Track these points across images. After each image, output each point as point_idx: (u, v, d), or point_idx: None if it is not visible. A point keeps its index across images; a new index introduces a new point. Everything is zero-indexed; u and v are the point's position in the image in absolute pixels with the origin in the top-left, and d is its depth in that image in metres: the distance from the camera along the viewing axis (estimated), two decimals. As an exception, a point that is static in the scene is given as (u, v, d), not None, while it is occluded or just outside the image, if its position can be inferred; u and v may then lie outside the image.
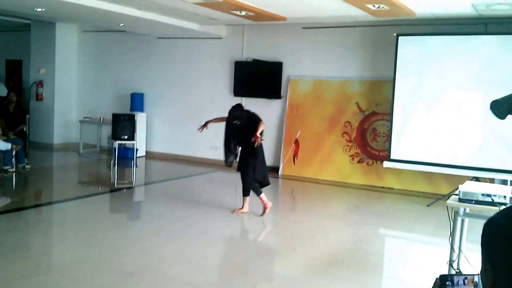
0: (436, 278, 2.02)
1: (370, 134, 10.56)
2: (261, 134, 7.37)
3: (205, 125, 8.00)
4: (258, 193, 7.73)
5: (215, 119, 8.08)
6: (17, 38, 15.15)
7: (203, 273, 5.70)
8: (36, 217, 7.77)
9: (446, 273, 4.70)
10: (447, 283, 2.01)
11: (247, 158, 7.63)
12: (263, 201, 7.75)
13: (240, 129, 7.52)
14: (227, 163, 7.93)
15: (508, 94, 4.20)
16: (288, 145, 11.38)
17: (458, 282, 2.02)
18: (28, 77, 14.38)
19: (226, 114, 7.60)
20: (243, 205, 7.82)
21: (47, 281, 5.08)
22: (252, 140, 7.27)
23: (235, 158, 7.88)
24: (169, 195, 9.22)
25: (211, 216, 6.69)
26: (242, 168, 7.72)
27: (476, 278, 2.04)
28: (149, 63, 13.34)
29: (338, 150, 10.84)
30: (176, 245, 6.33)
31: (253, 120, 7.49)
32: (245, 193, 7.78)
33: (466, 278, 2.05)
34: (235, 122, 7.44)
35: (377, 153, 10.45)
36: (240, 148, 7.80)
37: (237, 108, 7.54)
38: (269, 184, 7.99)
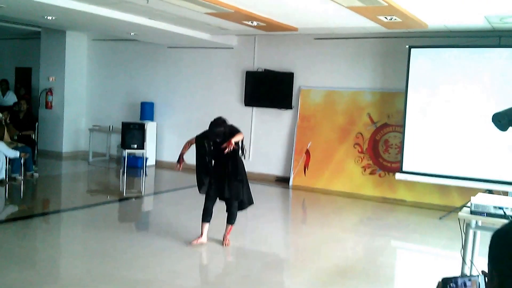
0: (439, 281, 1.98)
1: (382, 146, 10.48)
2: (236, 144, 6.36)
3: (181, 159, 6.71)
4: (208, 220, 6.65)
5: (185, 147, 6.80)
6: (27, 45, 15.19)
7: (212, 286, 5.64)
8: (44, 226, 7.72)
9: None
10: (450, 285, 1.96)
11: (236, 180, 6.50)
12: (204, 231, 6.63)
13: (222, 147, 6.31)
14: (203, 189, 6.60)
15: (510, 107, 4.18)
16: (299, 156, 11.31)
17: (461, 284, 1.98)
18: (37, 85, 14.40)
19: (237, 126, 6.62)
20: (228, 234, 6.74)
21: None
22: (224, 145, 6.20)
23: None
24: (178, 205, 9.17)
25: (219, 227, 6.60)
26: (236, 192, 6.52)
27: (479, 279, 2.00)
28: (160, 72, 13.32)
29: (349, 161, 10.77)
30: (185, 256, 6.27)
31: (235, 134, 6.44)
32: (234, 221, 6.71)
33: (470, 279, 2.00)
34: (218, 140, 6.36)
35: (389, 164, 10.37)
36: (214, 169, 6.60)
37: (221, 123, 6.37)
38: (253, 203, 6.86)
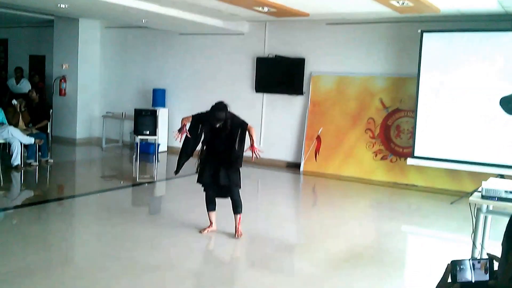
0: (448, 264, 2.01)
1: (394, 131, 10.48)
2: (241, 134, 6.14)
3: (183, 129, 6.21)
4: (213, 208, 6.55)
5: (184, 122, 6.28)
6: (41, 33, 15.29)
7: (221, 268, 5.72)
8: (59, 210, 7.83)
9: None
10: (459, 267, 2.00)
11: (233, 170, 6.27)
12: (212, 219, 6.56)
13: (220, 133, 6.13)
14: (178, 171, 6.42)
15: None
16: (310, 141, 11.34)
17: (470, 266, 2.01)
18: (51, 72, 14.50)
19: (239, 116, 6.30)
20: (238, 225, 6.47)
21: (66, 272, 5.14)
22: (246, 150, 6.14)
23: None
24: (190, 190, 9.20)
25: (230, 212, 6.63)
26: (234, 182, 6.30)
27: (488, 263, 2.03)
28: (171, 59, 13.37)
29: (361, 146, 10.77)
30: (196, 240, 6.31)
31: (239, 124, 6.19)
32: (240, 210, 6.44)
33: (479, 262, 2.03)
34: (218, 125, 6.05)
35: (401, 149, 10.37)
36: (208, 155, 6.31)
37: (223, 108, 6.03)
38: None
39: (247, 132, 6.22)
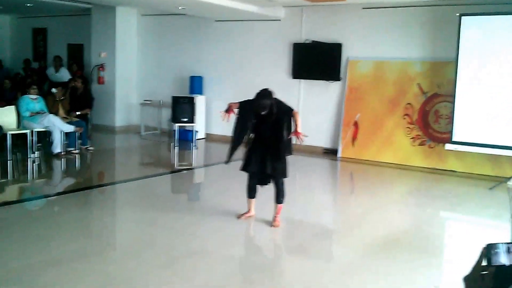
0: (483, 247, 2.00)
1: (432, 116, 10.34)
2: (287, 120, 6.06)
3: (231, 109, 6.17)
4: (253, 196, 6.55)
5: (235, 103, 6.25)
6: (78, 22, 15.46)
7: (259, 254, 5.77)
8: (100, 197, 7.98)
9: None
10: (494, 251, 1.99)
11: (280, 158, 6.16)
12: (251, 206, 6.58)
13: (266, 120, 6.05)
14: (229, 160, 6.32)
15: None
16: (347, 127, 11.29)
17: (505, 250, 1.99)
18: (89, 61, 14.71)
19: (285, 102, 6.22)
20: (277, 214, 6.39)
21: (106, 259, 5.26)
22: (290, 136, 6.07)
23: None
24: (228, 177, 9.29)
25: (269, 199, 6.63)
26: (281, 172, 6.22)
27: None
28: (208, 46, 13.42)
29: (398, 132, 10.68)
30: (233, 227, 6.36)
31: (285, 112, 6.10)
32: (282, 200, 6.39)
33: None
34: (263, 112, 5.96)
35: (439, 135, 10.24)
36: (252, 144, 6.27)
37: (268, 95, 5.96)
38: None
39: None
